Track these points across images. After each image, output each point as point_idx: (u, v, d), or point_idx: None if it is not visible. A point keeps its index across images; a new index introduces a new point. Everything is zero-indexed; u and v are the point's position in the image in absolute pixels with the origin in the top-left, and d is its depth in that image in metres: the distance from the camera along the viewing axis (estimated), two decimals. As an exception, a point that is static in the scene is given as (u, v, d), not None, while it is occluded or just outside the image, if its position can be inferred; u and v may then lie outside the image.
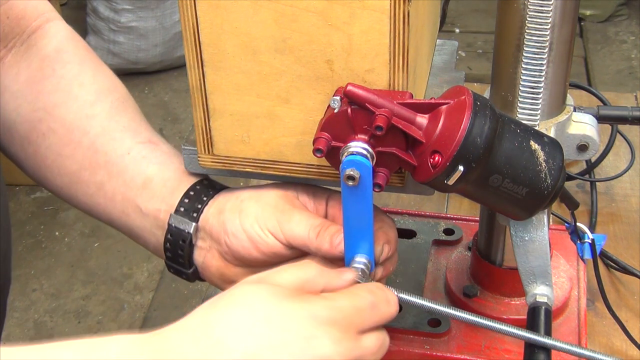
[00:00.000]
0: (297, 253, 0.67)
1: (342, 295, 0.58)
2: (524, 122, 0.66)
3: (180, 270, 0.72)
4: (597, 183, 1.07)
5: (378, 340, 0.58)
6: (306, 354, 0.53)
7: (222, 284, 0.71)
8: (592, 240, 0.76)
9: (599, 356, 0.65)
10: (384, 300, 0.59)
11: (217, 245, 0.69)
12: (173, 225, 0.70)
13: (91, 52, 0.81)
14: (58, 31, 0.79)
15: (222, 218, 0.69)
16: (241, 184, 0.78)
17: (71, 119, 0.75)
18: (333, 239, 0.65)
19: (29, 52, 0.78)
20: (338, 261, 0.67)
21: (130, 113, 0.77)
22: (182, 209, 0.70)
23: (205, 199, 0.71)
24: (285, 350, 0.53)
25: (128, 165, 0.73)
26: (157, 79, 3.19)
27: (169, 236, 0.71)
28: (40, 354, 0.52)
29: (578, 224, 0.76)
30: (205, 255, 0.71)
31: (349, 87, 0.60)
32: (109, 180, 0.74)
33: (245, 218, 0.68)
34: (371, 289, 0.59)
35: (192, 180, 0.73)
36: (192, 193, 0.71)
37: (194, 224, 0.70)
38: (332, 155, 0.62)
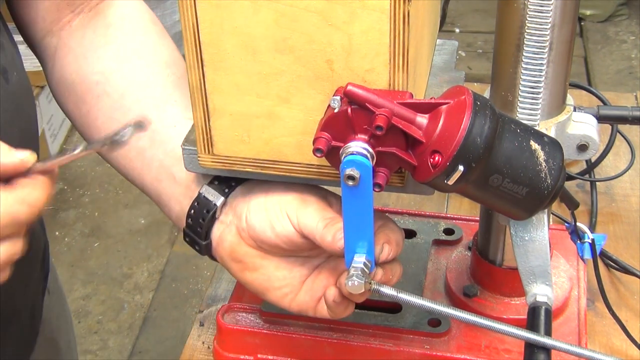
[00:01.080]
0: (309, 244, 0.68)
1: None
2: (524, 122, 0.66)
3: (195, 240, 0.73)
4: (597, 183, 1.07)
5: (6, 253, 0.54)
6: None
7: (230, 261, 0.72)
8: (592, 240, 0.76)
9: (599, 356, 0.65)
10: (27, 203, 0.53)
11: (238, 221, 0.71)
12: (202, 194, 0.72)
13: (157, 25, 0.83)
14: (126, 1, 0.82)
15: (249, 195, 0.71)
16: (241, 183, 0.79)
17: (126, 86, 0.78)
18: (336, 233, 0.65)
19: (96, 18, 0.81)
20: (340, 258, 0.67)
21: (184, 90, 0.79)
22: (216, 182, 0.72)
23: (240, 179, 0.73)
24: None
25: (172, 137, 0.75)
26: (157, 78, 3.19)
27: (195, 204, 0.72)
28: None
29: (578, 224, 0.76)
30: (223, 230, 0.72)
31: (349, 87, 0.60)
32: (150, 147, 0.76)
33: (270, 198, 0.70)
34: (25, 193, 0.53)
35: None
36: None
37: (222, 197, 0.71)
38: (332, 155, 0.62)
